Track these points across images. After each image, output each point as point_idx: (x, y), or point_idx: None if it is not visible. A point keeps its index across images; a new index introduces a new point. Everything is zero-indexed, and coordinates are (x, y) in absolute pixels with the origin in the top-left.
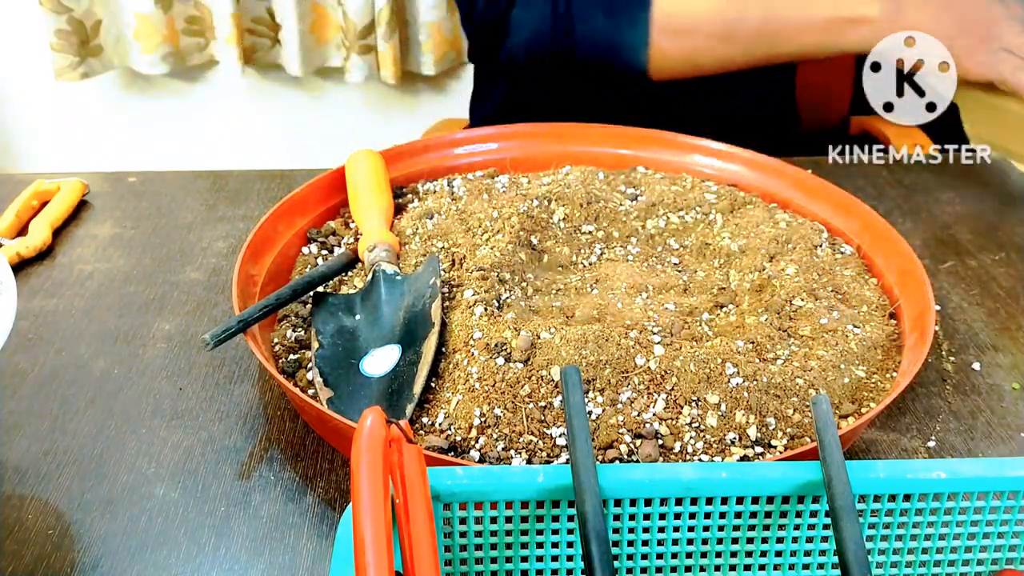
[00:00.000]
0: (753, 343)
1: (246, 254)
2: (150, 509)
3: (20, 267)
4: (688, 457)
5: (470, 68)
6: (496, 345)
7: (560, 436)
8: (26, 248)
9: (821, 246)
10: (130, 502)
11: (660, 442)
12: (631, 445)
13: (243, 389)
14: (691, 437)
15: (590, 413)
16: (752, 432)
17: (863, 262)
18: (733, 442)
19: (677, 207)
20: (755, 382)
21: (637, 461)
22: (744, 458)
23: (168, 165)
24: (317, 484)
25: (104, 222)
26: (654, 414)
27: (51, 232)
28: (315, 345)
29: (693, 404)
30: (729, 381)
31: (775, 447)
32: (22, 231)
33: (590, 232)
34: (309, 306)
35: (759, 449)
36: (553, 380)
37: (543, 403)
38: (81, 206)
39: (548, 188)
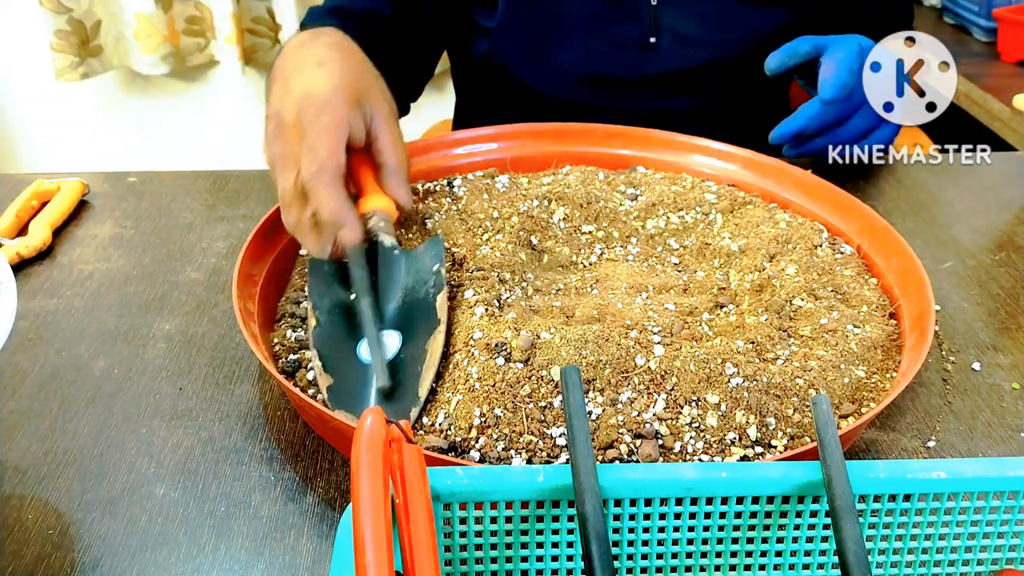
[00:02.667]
0: (753, 343)
1: (246, 254)
2: (150, 509)
3: (20, 267)
4: (688, 457)
5: None
6: (496, 345)
7: (560, 436)
8: (26, 248)
9: (821, 246)
10: (130, 502)
11: (660, 442)
12: (631, 445)
13: (243, 389)
14: (691, 437)
15: (590, 413)
16: (752, 432)
17: (863, 262)
18: (733, 442)
19: (677, 207)
20: (755, 382)
21: (637, 461)
22: (744, 458)
23: (168, 165)
24: (317, 484)
25: (104, 222)
26: (654, 414)
27: (51, 232)
28: (312, 323)
29: (693, 404)
30: (729, 381)
31: (775, 447)
32: (22, 231)
33: (590, 232)
34: (305, 302)
35: (759, 449)
36: (553, 380)
37: (543, 403)
38: (81, 206)
39: (548, 188)
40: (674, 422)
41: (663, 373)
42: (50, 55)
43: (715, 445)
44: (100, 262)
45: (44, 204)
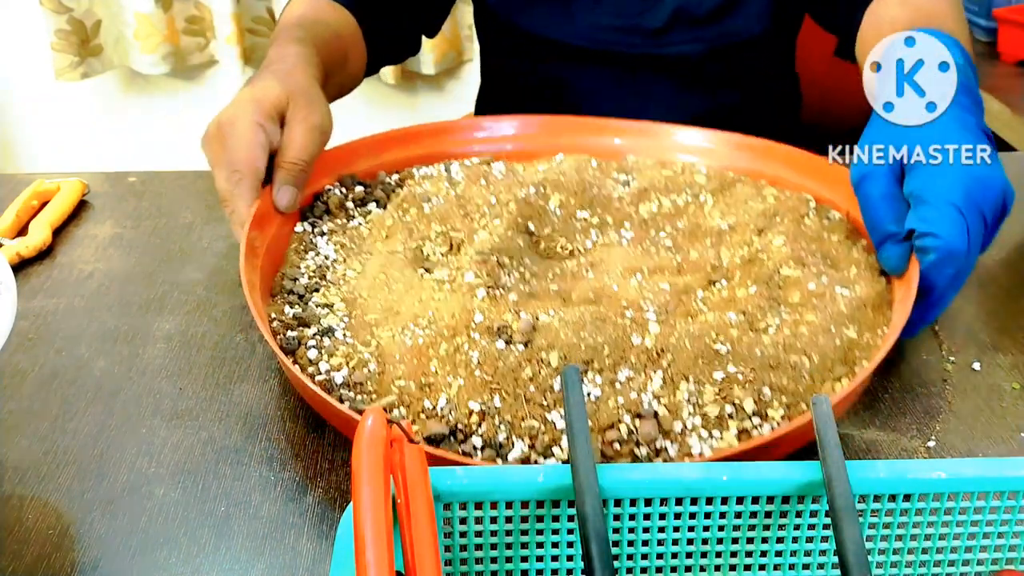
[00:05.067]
0: (745, 314)
1: (253, 223)
2: (150, 509)
3: (20, 267)
4: (687, 433)
5: (469, 67)
6: (497, 328)
7: (562, 419)
8: (26, 248)
9: (808, 215)
10: (130, 502)
11: (659, 421)
12: (631, 425)
13: (243, 389)
14: (689, 413)
15: (589, 395)
16: (748, 404)
17: (851, 225)
18: (731, 415)
19: (668, 190)
20: (749, 355)
21: (638, 441)
22: (743, 431)
23: (168, 165)
24: (317, 484)
25: (104, 222)
26: (652, 392)
27: (51, 232)
28: None
29: (689, 380)
30: (723, 355)
31: (772, 417)
32: (22, 231)
33: (585, 218)
34: (301, 279)
35: (756, 420)
36: (553, 363)
37: (544, 387)
38: (81, 206)
39: (544, 175)
40: (672, 399)
41: (659, 351)
42: (50, 55)
43: (713, 420)
44: (100, 262)
45: (44, 204)
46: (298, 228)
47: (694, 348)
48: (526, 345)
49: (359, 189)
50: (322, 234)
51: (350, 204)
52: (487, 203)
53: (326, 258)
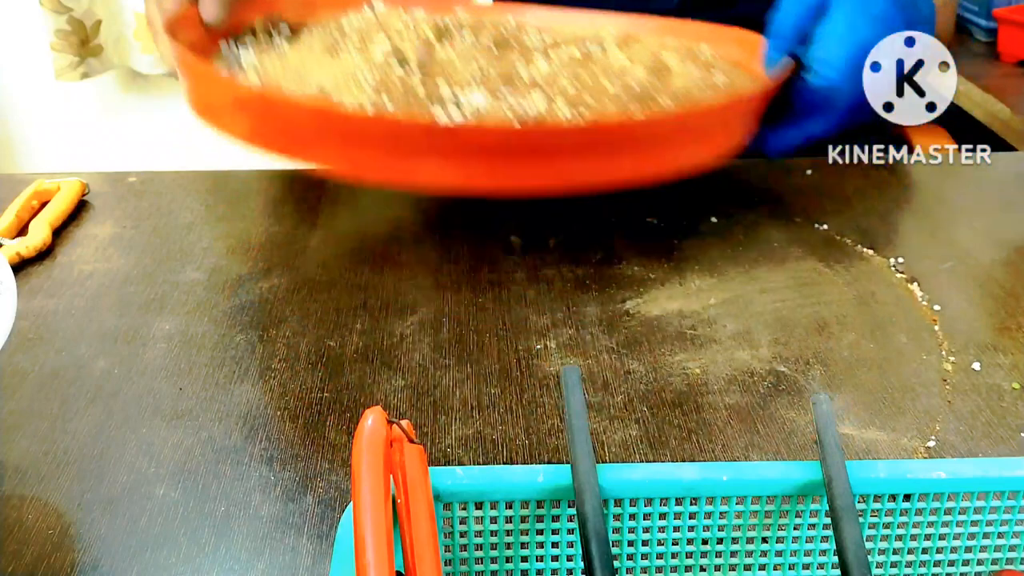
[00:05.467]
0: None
1: (174, 21)
2: (150, 509)
3: (20, 267)
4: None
5: None
6: (393, 51)
7: (446, 117)
8: (26, 248)
9: (704, 54)
10: (130, 502)
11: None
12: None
13: (243, 389)
14: (569, 118)
15: (478, 109)
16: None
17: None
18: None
19: (577, 40)
20: (626, 87)
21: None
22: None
23: (168, 165)
24: (317, 484)
25: (104, 222)
26: (534, 106)
27: (51, 232)
28: None
29: (573, 106)
30: (607, 87)
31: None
32: (22, 231)
33: (493, 52)
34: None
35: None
36: (442, 88)
37: (435, 99)
38: (81, 206)
39: (461, 18)
40: (551, 116)
41: (543, 80)
42: (50, 55)
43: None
44: (100, 262)
45: (44, 204)
46: (222, 48)
47: (578, 81)
48: (423, 72)
49: (285, 28)
50: (245, 46)
51: (275, 33)
52: (405, 24)
53: (249, 63)
